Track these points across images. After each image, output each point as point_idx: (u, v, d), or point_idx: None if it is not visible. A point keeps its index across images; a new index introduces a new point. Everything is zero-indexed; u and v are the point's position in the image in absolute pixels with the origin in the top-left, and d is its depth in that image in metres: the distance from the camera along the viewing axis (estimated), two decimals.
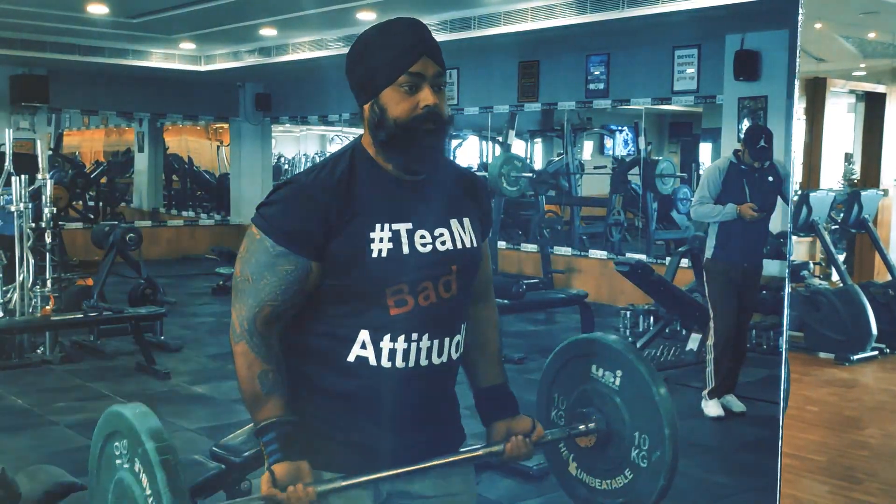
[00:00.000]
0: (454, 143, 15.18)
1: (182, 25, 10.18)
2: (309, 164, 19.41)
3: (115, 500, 1.90)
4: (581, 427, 2.20)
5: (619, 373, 2.17)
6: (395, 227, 1.74)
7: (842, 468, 4.68)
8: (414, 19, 1.79)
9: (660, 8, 7.60)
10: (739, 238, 5.40)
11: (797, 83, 6.18)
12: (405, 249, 1.74)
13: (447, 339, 1.81)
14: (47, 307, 6.65)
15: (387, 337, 1.75)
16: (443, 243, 1.79)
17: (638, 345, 6.52)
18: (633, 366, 2.17)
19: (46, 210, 6.83)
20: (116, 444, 1.88)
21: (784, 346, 4.24)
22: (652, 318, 8.05)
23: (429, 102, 1.73)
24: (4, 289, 6.93)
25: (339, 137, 21.40)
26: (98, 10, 9.17)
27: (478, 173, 2.14)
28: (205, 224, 14.72)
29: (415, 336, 1.76)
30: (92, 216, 14.94)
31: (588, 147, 16.98)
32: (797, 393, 6.13)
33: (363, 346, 1.75)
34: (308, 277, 1.74)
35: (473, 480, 1.99)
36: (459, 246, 1.82)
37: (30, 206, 6.83)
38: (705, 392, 5.56)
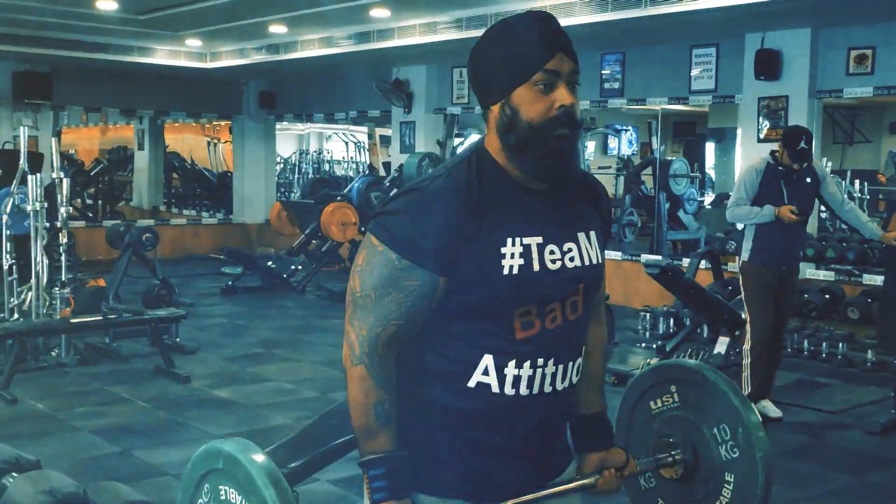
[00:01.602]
0: (456, 140, 15.08)
1: (190, 22, 10.02)
2: (310, 164, 19.23)
3: None
4: (665, 454, 2.14)
5: (672, 388, 2.16)
6: (525, 241, 1.63)
7: None
8: (546, 12, 1.65)
9: (679, 7, 7.50)
10: (777, 240, 5.30)
11: None
12: (535, 266, 1.63)
13: (570, 364, 1.72)
14: (67, 309, 6.49)
15: (512, 363, 1.64)
16: (571, 259, 1.68)
17: (667, 349, 6.42)
18: (680, 368, 2.20)
19: (63, 209, 6.67)
20: (222, 487, 1.77)
21: None
22: (672, 319, 7.97)
23: (565, 102, 1.59)
24: (18, 290, 6.77)
25: (337, 135, 21.21)
26: (107, 6, 9.02)
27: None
28: (207, 223, 14.52)
29: (541, 362, 1.66)
30: (91, 214, 14.79)
31: (590, 147, 16.85)
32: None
33: (485, 373, 1.64)
34: (435, 294, 1.61)
35: None
36: (587, 262, 1.71)
37: (45, 205, 6.68)
38: None
